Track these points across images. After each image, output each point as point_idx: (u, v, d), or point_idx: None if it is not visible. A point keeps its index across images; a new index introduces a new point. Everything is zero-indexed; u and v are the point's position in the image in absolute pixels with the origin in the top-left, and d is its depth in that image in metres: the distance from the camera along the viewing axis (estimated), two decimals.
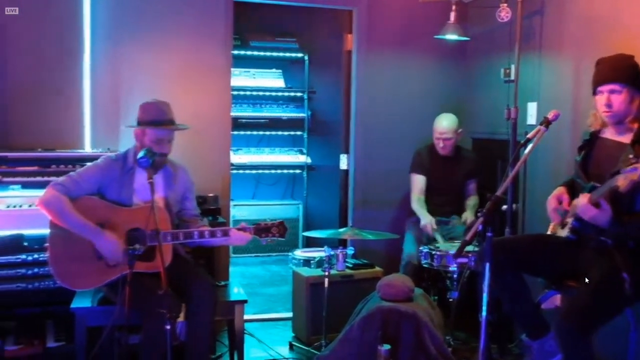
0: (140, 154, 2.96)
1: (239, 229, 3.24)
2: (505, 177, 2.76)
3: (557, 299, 3.12)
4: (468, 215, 4.32)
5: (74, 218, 3.01)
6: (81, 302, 3.18)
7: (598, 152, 2.92)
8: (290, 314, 4.36)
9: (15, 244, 3.45)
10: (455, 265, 3.75)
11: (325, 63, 6.47)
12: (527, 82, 4.07)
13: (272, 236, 3.28)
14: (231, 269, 4.49)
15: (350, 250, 4.33)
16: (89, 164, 3.26)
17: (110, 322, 2.89)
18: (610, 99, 2.82)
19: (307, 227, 6.46)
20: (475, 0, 4.72)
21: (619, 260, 2.65)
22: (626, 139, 2.82)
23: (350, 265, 4.19)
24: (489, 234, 2.55)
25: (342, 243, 4.81)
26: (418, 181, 4.48)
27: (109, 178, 3.18)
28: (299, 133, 6.76)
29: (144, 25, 4.17)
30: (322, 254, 3.92)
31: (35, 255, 3.51)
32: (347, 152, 5.07)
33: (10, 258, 3.48)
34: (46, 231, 3.09)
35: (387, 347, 3.27)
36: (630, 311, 2.85)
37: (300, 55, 6.61)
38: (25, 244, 3.50)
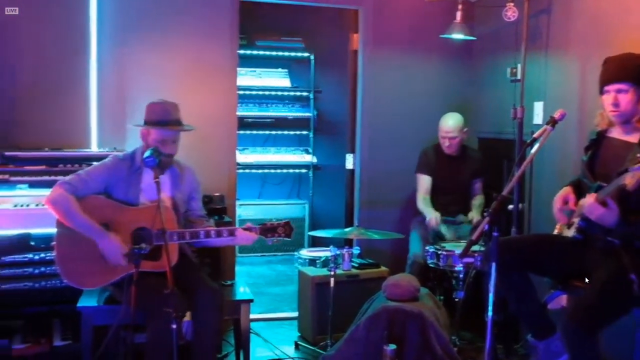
0: (147, 154, 2.97)
1: (245, 229, 3.24)
2: (512, 176, 2.75)
3: (563, 299, 3.11)
4: (474, 215, 4.31)
5: (79, 218, 3.02)
6: (87, 301, 3.19)
7: (605, 152, 2.91)
8: (296, 314, 4.36)
9: (22, 243, 3.46)
10: (461, 265, 3.74)
11: (331, 62, 6.47)
12: (534, 82, 4.06)
13: (278, 236, 3.28)
14: (237, 268, 4.49)
15: (356, 250, 4.33)
16: (96, 163, 3.28)
17: (116, 321, 2.90)
18: (618, 98, 2.80)
19: (313, 227, 6.46)
20: None
21: (627, 261, 2.64)
22: (633, 138, 2.81)
23: (356, 265, 4.19)
24: (495, 234, 2.54)
25: (348, 243, 4.81)
26: (424, 181, 4.47)
27: (116, 177, 3.19)
28: (304, 132, 6.76)
29: (150, 25, 4.18)
30: (328, 253, 3.93)
31: (42, 255, 3.52)
32: (352, 151, 5.07)
33: (18, 257, 3.50)
34: (53, 230, 3.10)
35: (392, 346, 3.26)
36: (638, 311, 2.83)
37: (306, 54, 6.61)
38: (32, 243, 3.51)
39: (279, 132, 6.72)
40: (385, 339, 3.30)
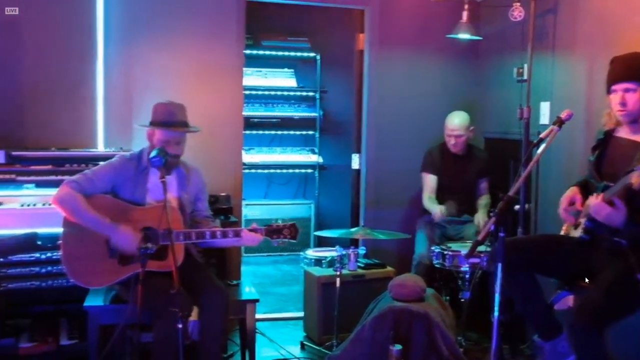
0: (153, 153, 2.98)
1: (250, 230, 3.24)
2: (518, 177, 2.74)
3: (570, 300, 3.10)
4: (480, 217, 4.29)
5: (88, 214, 3.03)
6: (94, 301, 3.20)
7: (612, 151, 2.90)
8: (301, 314, 4.36)
9: (29, 243, 3.46)
10: (467, 265, 3.73)
11: (337, 62, 6.48)
12: (540, 82, 4.05)
13: (283, 238, 3.28)
14: (243, 268, 4.50)
15: (361, 250, 4.33)
16: (103, 162, 3.28)
17: (122, 320, 2.91)
18: (625, 97, 2.79)
19: (319, 227, 6.46)
20: None
21: (634, 261, 2.63)
22: None
23: (362, 265, 4.18)
24: (501, 234, 2.53)
25: (354, 243, 4.81)
26: (429, 180, 4.47)
27: (123, 177, 3.20)
28: (310, 132, 6.76)
29: (156, 25, 4.19)
30: (334, 253, 3.92)
31: (49, 254, 3.54)
32: (358, 151, 5.07)
33: (24, 256, 3.52)
34: (59, 230, 3.12)
35: (398, 347, 3.26)
36: None
37: (312, 54, 6.61)
38: (39, 242, 3.51)
39: (285, 132, 6.72)
40: (391, 339, 3.29)
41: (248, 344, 3.45)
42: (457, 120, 4.42)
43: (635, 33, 3.39)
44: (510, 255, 2.68)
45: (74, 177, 3.12)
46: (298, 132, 6.76)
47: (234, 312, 3.37)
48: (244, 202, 4.84)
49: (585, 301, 2.70)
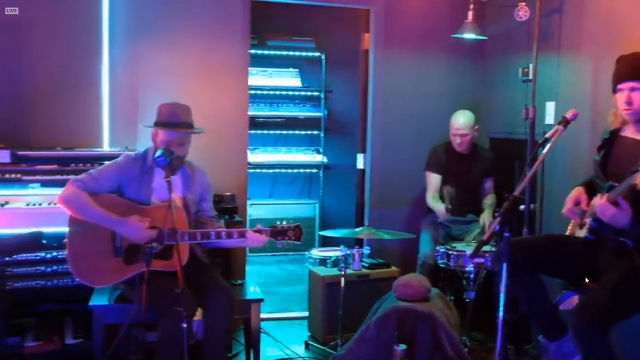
0: (158, 153, 2.98)
1: (255, 231, 3.24)
2: (523, 176, 2.73)
3: (575, 300, 3.08)
4: (485, 216, 4.28)
5: (94, 211, 3.03)
6: (99, 300, 3.21)
7: (618, 151, 2.89)
8: (306, 313, 4.37)
9: (34, 242, 3.48)
10: (472, 265, 3.73)
11: (342, 62, 6.48)
12: (546, 81, 4.04)
13: (288, 239, 3.27)
14: (247, 267, 4.50)
15: (366, 250, 4.33)
16: (108, 162, 3.29)
17: (127, 319, 2.91)
18: (631, 96, 2.78)
19: (323, 227, 6.46)
20: None
21: (639, 262, 2.62)
22: None
23: (367, 265, 4.19)
24: (506, 234, 2.53)
25: (359, 242, 4.81)
26: (433, 179, 4.46)
27: (128, 177, 3.20)
28: (315, 132, 6.77)
29: (161, 25, 4.20)
30: (339, 253, 3.92)
31: (54, 253, 3.55)
32: (363, 151, 5.06)
33: (30, 256, 3.53)
34: (65, 229, 3.12)
35: (403, 347, 3.26)
36: None
37: (317, 54, 6.62)
38: (44, 241, 3.52)
39: (290, 132, 6.73)
40: (395, 339, 3.29)
41: (253, 344, 3.46)
42: (462, 119, 4.41)
43: None
44: (515, 255, 2.67)
45: (80, 177, 3.13)
46: (303, 132, 6.76)
47: (238, 312, 3.37)
48: (248, 202, 4.85)
49: (589, 301, 2.69)
